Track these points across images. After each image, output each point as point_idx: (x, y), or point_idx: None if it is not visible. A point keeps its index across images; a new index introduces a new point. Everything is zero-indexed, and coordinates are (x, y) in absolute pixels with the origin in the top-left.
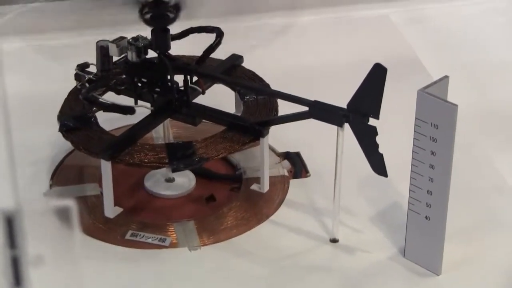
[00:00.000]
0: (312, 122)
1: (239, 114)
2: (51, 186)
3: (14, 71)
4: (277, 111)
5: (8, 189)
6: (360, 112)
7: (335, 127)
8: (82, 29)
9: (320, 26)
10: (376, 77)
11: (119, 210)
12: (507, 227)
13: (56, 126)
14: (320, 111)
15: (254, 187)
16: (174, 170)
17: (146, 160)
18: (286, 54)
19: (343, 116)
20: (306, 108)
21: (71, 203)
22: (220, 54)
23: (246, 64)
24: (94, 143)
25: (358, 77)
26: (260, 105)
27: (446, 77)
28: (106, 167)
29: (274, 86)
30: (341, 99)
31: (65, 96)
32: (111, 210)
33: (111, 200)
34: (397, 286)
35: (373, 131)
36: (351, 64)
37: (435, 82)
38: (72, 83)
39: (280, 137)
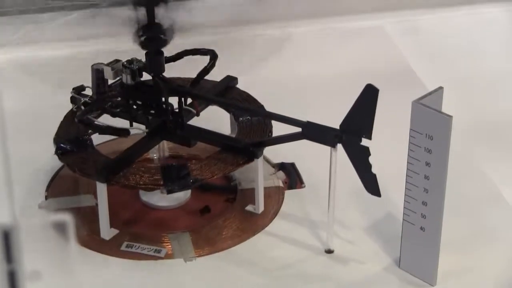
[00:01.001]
0: None
1: (233, 135)
2: (46, 197)
3: (8, 83)
4: (271, 132)
5: (5, 203)
6: (352, 132)
7: None
8: (77, 41)
9: (314, 37)
10: (368, 97)
11: (115, 231)
12: (502, 238)
13: (51, 137)
14: (312, 131)
15: (249, 208)
16: (169, 192)
17: (141, 182)
18: (279, 65)
19: (335, 137)
20: (299, 129)
21: (67, 217)
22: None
23: (238, 75)
24: (89, 166)
25: (353, 88)
26: (255, 126)
27: (441, 88)
28: (101, 189)
29: (267, 98)
30: (336, 111)
31: (60, 107)
32: (107, 231)
33: (107, 221)
34: None
35: (366, 151)
36: (345, 75)
37: (429, 93)
38: (66, 95)
39: (275, 147)
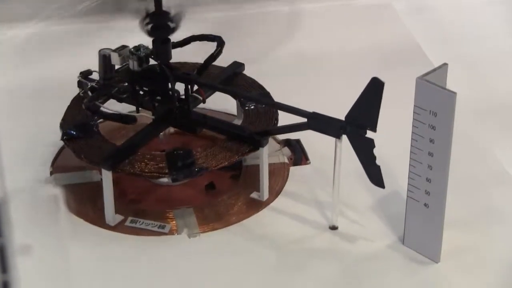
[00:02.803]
0: (313, 109)
1: (240, 120)
2: (51, 173)
3: (12, 59)
4: (277, 119)
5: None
6: (357, 124)
7: (336, 114)
8: (78, 17)
9: (322, 14)
10: (373, 90)
11: (120, 218)
12: (506, 215)
13: (56, 113)
14: (318, 122)
15: (254, 195)
16: (174, 181)
17: (146, 170)
18: (287, 43)
19: (340, 128)
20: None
21: (59, 191)
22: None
23: (245, 53)
24: (95, 153)
25: (360, 65)
26: (261, 113)
27: (445, 64)
28: (107, 176)
29: (275, 75)
30: (344, 90)
31: (63, 83)
32: (112, 218)
33: (112, 208)
34: (396, 273)
35: (371, 143)
36: (354, 52)
37: (434, 70)
38: (71, 71)
39: (280, 123)
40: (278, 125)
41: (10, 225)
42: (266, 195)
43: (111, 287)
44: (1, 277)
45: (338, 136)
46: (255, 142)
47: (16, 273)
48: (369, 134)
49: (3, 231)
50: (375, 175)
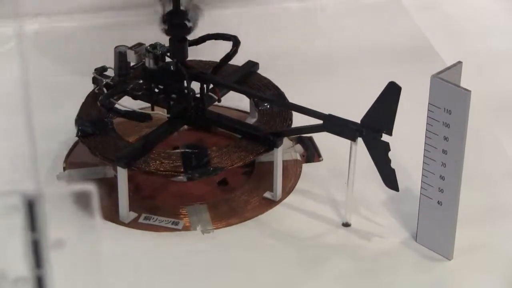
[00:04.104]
0: (325, 108)
1: (254, 119)
2: (64, 168)
3: (31, 54)
4: (291, 120)
5: (29, 172)
6: (373, 127)
7: (348, 112)
8: (95, 12)
9: (331, 10)
10: (390, 94)
11: (133, 215)
12: None
13: (69, 109)
14: (334, 125)
15: (267, 195)
16: (189, 179)
17: (161, 169)
18: (297, 39)
19: (356, 131)
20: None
21: (91, 187)
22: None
23: (256, 49)
24: (110, 150)
25: (370, 62)
26: (275, 114)
27: (460, 62)
28: (122, 174)
29: (286, 72)
30: (354, 86)
31: (80, 79)
32: (126, 215)
33: (127, 206)
34: (409, 270)
35: (386, 146)
36: (363, 49)
37: (448, 68)
38: (87, 66)
39: (293, 121)
40: (293, 124)
41: (44, 220)
42: (279, 195)
43: (126, 282)
44: (36, 272)
45: (353, 139)
46: (270, 142)
47: (50, 268)
48: (384, 137)
49: (37, 226)
50: (389, 178)
